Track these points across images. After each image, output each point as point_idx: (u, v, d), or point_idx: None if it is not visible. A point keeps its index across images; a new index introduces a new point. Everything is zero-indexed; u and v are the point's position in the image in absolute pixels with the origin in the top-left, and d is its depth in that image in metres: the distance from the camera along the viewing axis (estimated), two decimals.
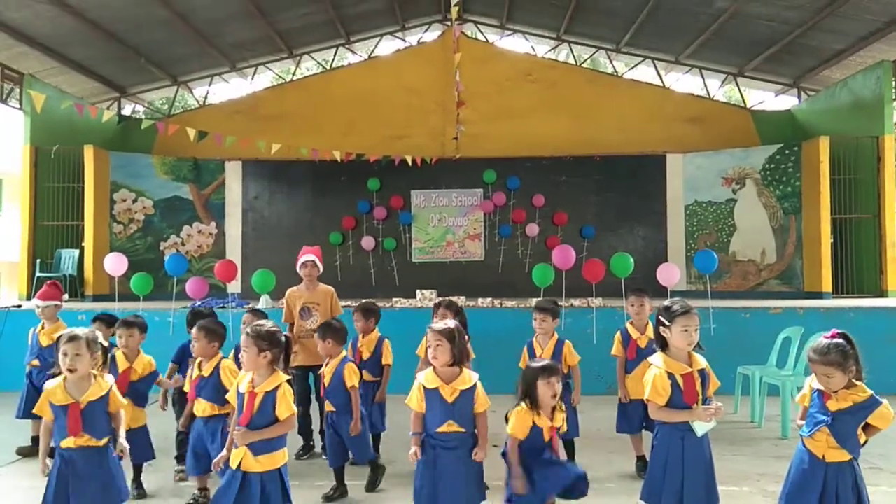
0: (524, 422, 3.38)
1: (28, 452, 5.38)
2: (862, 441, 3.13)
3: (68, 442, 3.29)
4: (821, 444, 3.10)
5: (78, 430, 3.28)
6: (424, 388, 3.39)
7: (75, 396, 3.32)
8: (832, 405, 3.09)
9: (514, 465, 3.38)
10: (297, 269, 5.72)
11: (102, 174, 11.84)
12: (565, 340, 4.86)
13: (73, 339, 3.37)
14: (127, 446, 3.45)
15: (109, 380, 3.50)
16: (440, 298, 5.97)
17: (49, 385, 3.38)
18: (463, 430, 3.33)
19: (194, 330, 4.22)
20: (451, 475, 3.31)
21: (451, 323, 3.50)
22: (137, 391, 4.51)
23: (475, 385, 3.39)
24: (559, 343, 4.80)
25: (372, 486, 4.63)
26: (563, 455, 3.87)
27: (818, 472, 3.08)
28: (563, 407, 3.56)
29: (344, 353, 4.65)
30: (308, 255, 5.67)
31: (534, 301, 8.60)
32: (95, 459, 3.32)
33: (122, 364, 4.50)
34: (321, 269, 5.73)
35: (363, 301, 5.84)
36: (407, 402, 3.47)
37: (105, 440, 3.38)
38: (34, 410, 3.39)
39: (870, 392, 3.09)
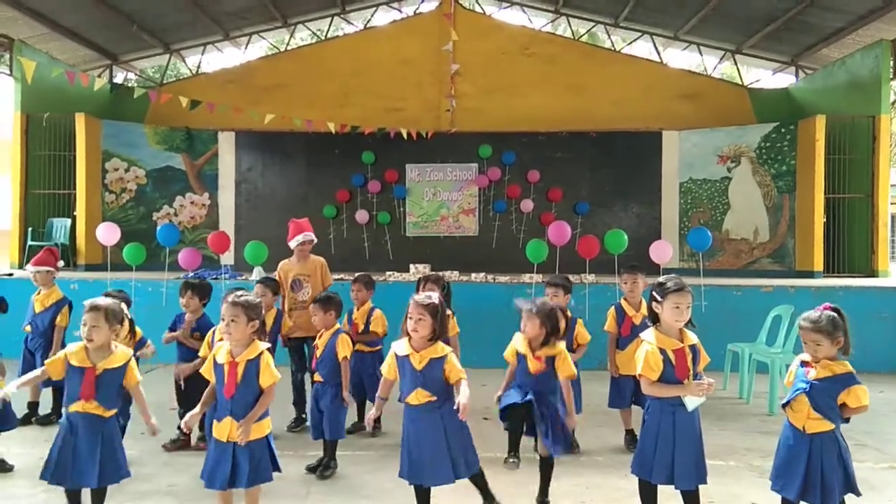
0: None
1: (23, 421, 5.37)
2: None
3: (77, 406, 3.33)
4: (801, 414, 3.19)
5: (90, 395, 3.30)
6: (396, 355, 3.46)
7: (94, 361, 3.35)
8: (811, 375, 3.19)
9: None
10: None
11: (94, 143, 11.71)
12: (578, 318, 4.94)
13: (93, 308, 3.38)
14: (157, 426, 3.47)
15: (129, 353, 3.52)
16: (426, 273, 6.00)
17: (72, 345, 3.42)
18: (434, 397, 3.36)
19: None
20: (432, 442, 3.34)
21: (434, 297, 3.47)
22: None
23: (446, 356, 3.40)
24: (572, 321, 4.83)
25: (319, 470, 4.40)
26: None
27: (803, 447, 3.17)
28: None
29: (338, 325, 4.69)
30: (297, 238, 5.72)
31: (527, 277, 8.72)
32: (98, 431, 3.33)
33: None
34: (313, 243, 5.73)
35: (361, 273, 5.86)
36: (381, 369, 3.59)
37: (112, 412, 3.39)
38: (44, 362, 3.41)
39: (850, 368, 3.17)
